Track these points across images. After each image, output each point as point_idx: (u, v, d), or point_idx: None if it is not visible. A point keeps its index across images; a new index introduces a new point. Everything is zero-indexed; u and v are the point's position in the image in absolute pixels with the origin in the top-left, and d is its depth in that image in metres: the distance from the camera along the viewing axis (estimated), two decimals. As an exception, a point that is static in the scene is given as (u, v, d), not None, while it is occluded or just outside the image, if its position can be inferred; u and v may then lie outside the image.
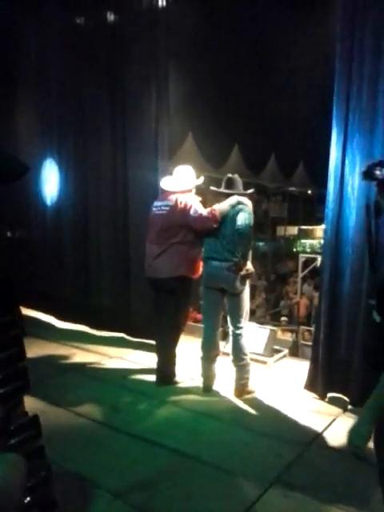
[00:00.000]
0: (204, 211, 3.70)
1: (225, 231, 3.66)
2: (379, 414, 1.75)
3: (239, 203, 3.67)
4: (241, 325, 3.73)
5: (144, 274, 4.03)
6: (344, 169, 3.51)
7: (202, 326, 3.96)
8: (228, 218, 3.65)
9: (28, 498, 0.83)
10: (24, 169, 0.76)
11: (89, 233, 5.50)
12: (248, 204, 3.71)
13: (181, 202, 3.77)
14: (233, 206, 3.66)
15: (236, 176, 3.86)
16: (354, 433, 1.89)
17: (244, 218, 3.60)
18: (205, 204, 3.87)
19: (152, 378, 4.04)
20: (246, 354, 3.77)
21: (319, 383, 3.73)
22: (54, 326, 5.70)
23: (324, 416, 3.45)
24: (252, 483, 2.65)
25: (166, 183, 3.97)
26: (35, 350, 4.58)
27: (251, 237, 3.73)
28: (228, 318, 3.81)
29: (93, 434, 3.19)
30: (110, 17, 5.12)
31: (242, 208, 3.65)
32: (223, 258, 3.64)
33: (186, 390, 3.90)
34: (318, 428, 3.27)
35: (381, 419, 1.91)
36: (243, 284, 3.68)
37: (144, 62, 4.80)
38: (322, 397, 3.71)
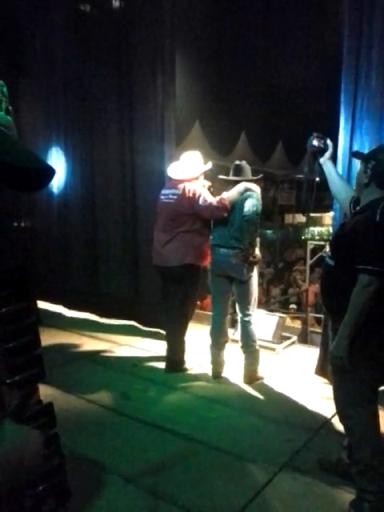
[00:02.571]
0: (213, 200, 3.69)
1: (233, 219, 3.65)
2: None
3: (247, 190, 3.66)
4: (249, 312, 3.75)
5: (151, 262, 4.05)
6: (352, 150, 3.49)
7: (211, 313, 3.98)
8: (236, 205, 3.64)
9: (41, 487, 0.84)
10: (50, 168, 0.76)
11: (97, 221, 5.52)
12: (256, 190, 3.70)
13: (189, 191, 3.76)
14: (241, 194, 3.65)
15: (244, 162, 3.84)
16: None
17: (251, 205, 3.59)
18: (212, 192, 3.87)
19: (161, 365, 4.07)
20: (254, 341, 3.78)
21: (329, 368, 3.74)
22: (63, 314, 5.75)
23: (333, 402, 3.46)
24: (262, 468, 2.68)
25: (173, 171, 3.95)
26: (46, 338, 4.58)
27: (258, 224, 3.73)
28: (236, 306, 3.83)
29: (104, 421, 3.24)
30: (116, 4, 5.08)
31: (250, 195, 3.64)
32: (230, 246, 3.64)
33: (196, 377, 3.93)
34: (327, 414, 3.29)
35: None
36: (250, 271, 3.68)
37: (150, 49, 4.77)
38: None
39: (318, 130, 2.69)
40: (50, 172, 0.75)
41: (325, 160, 2.62)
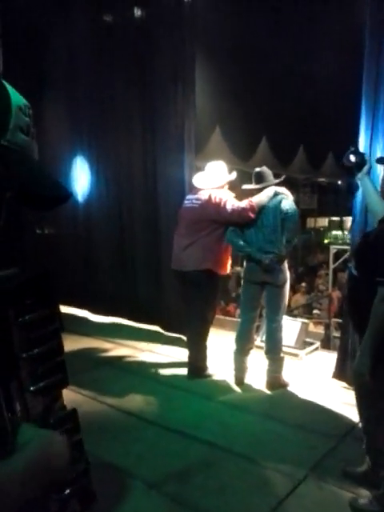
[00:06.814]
0: (241, 203, 3.68)
1: (266, 222, 3.63)
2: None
3: (278, 194, 3.65)
4: (278, 317, 3.72)
5: (170, 266, 4.05)
6: (372, 157, 3.45)
7: (239, 319, 3.96)
8: (267, 209, 3.62)
9: (68, 490, 0.86)
10: (68, 194, 0.79)
11: (121, 227, 5.56)
12: (287, 194, 3.70)
13: (215, 197, 3.75)
14: (271, 197, 3.64)
15: (264, 168, 3.83)
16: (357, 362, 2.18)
17: (290, 204, 3.62)
18: (238, 199, 3.85)
19: (183, 371, 4.07)
20: (280, 348, 3.75)
21: (348, 372, 3.70)
22: (87, 319, 5.80)
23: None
24: (285, 475, 2.65)
25: (198, 180, 3.96)
26: (69, 344, 4.61)
27: (299, 222, 3.76)
28: (265, 311, 3.81)
29: (126, 426, 3.25)
30: (138, 13, 5.13)
31: (284, 197, 3.65)
32: (265, 251, 3.62)
33: (218, 383, 3.91)
34: (353, 420, 3.22)
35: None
36: (285, 276, 3.67)
37: (171, 57, 4.79)
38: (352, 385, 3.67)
39: (348, 144, 2.66)
40: (67, 198, 0.79)
41: (362, 175, 2.57)
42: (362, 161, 2.57)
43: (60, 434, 0.76)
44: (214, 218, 3.76)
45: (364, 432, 2.38)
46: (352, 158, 2.59)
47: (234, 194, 3.91)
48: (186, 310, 4.04)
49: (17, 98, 0.74)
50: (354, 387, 2.38)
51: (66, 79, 5.92)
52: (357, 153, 2.61)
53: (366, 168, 2.56)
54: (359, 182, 2.61)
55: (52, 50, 5.97)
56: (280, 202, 3.60)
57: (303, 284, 10.18)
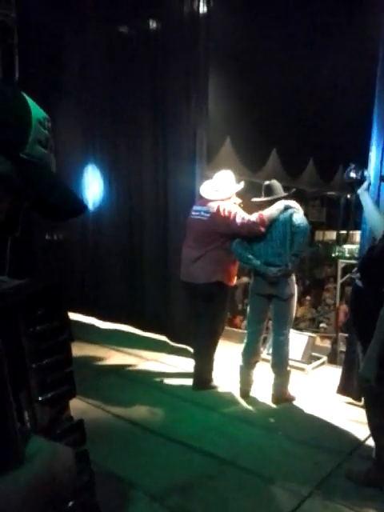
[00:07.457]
0: (251, 217, 3.67)
1: (276, 235, 3.63)
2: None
3: (288, 207, 3.65)
4: (285, 331, 3.70)
5: (180, 278, 4.05)
6: (382, 171, 3.45)
7: (245, 331, 3.95)
8: (277, 222, 3.62)
9: (71, 503, 0.85)
10: (84, 207, 0.80)
11: (131, 236, 5.58)
12: (298, 207, 3.70)
13: (224, 210, 3.74)
14: (281, 211, 3.63)
15: (274, 181, 3.82)
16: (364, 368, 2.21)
17: (301, 218, 3.62)
18: (243, 210, 3.85)
19: (189, 382, 4.05)
20: (287, 362, 3.73)
21: (354, 387, 3.66)
22: (95, 326, 5.79)
23: (364, 425, 3.35)
24: (290, 492, 2.62)
25: (205, 190, 3.95)
26: (75, 351, 4.58)
27: (309, 236, 3.79)
28: (271, 324, 3.79)
29: (130, 436, 3.23)
30: (152, 25, 5.18)
31: (295, 211, 3.65)
32: (273, 264, 3.62)
33: (223, 395, 3.89)
34: (359, 437, 3.20)
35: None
36: (292, 289, 3.65)
37: (184, 68, 4.82)
38: (357, 399, 3.63)
39: (353, 160, 2.74)
40: (83, 210, 0.79)
41: (362, 191, 2.66)
42: (362, 177, 2.68)
43: (66, 447, 0.76)
44: (223, 231, 3.75)
45: (373, 437, 2.41)
46: (352, 174, 2.70)
47: (240, 201, 3.90)
48: (195, 321, 4.03)
49: (37, 110, 0.75)
50: (361, 393, 2.49)
51: (79, 89, 5.97)
52: (357, 169, 2.71)
53: (365, 184, 2.66)
54: (360, 198, 2.68)
55: (66, 60, 6.03)
56: (291, 215, 3.59)
57: (308, 297, 10.12)
